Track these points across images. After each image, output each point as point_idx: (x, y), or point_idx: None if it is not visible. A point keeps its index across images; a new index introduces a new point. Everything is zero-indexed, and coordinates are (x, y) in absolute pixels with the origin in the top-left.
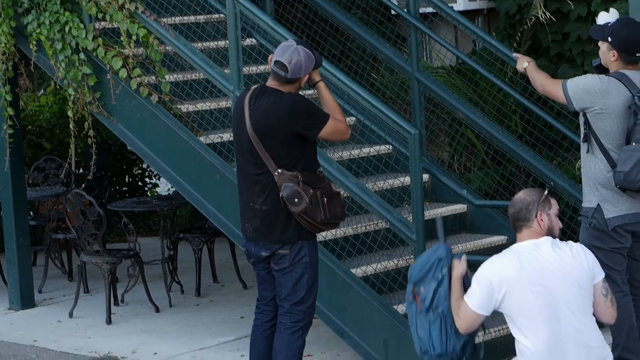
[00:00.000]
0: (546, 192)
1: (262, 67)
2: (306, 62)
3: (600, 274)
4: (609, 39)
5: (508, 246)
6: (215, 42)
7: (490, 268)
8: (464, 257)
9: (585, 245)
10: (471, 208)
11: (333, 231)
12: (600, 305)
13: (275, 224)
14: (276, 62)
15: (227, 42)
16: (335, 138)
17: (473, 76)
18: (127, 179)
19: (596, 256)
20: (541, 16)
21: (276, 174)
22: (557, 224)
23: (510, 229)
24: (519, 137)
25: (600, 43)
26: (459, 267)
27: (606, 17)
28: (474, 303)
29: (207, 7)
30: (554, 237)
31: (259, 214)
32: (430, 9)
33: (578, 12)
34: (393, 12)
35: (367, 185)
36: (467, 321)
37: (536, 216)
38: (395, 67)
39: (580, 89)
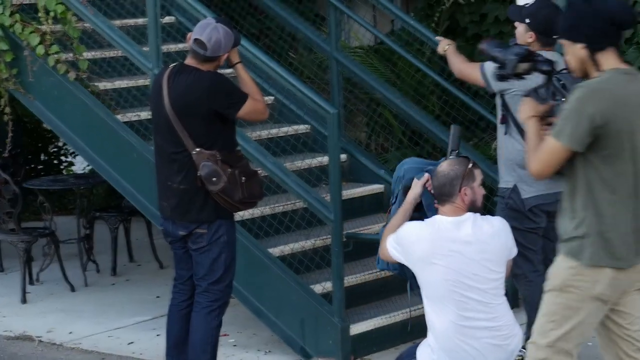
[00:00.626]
0: (470, 164)
1: (180, 45)
2: (225, 40)
3: (514, 251)
4: (527, 20)
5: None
6: (134, 20)
7: (407, 236)
8: (425, 175)
9: None
10: (388, 188)
11: (251, 210)
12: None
13: (193, 203)
14: (195, 40)
15: (146, 19)
16: (253, 118)
17: (391, 56)
18: (42, 157)
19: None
20: None
21: (194, 152)
22: (480, 196)
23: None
24: (436, 118)
25: (517, 24)
26: (416, 187)
27: None
28: (392, 251)
29: None
30: (476, 209)
31: (177, 193)
32: None
33: None
34: None
35: (285, 164)
36: (384, 255)
37: (460, 191)
38: (314, 47)
39: None
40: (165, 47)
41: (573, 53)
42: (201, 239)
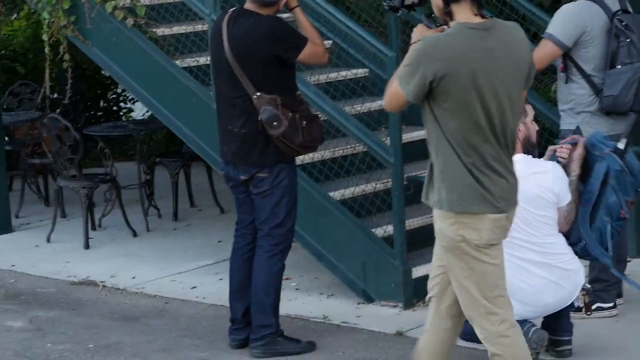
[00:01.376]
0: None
1: None
2: None
3: (565, 199)
4: None
5: None
6: None
7: None
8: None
9: None
10: None
11: (311, 154)
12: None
13: (254, 147)
14: None
15: None
16: (313, 61)
17: None
18: (101, 103)
19: None
20: None
21: (255, 97)
22: (534, 131)
23: None
24: None
25: None
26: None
27: None
28: None
29: None
30: (531, 145)
31: (238, 137)
32: None
33: None
34: None
35: (344, 108)
36: None
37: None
38: None
39: (561, 19)
40: None
41: (433, 1)
42: (262, 183)
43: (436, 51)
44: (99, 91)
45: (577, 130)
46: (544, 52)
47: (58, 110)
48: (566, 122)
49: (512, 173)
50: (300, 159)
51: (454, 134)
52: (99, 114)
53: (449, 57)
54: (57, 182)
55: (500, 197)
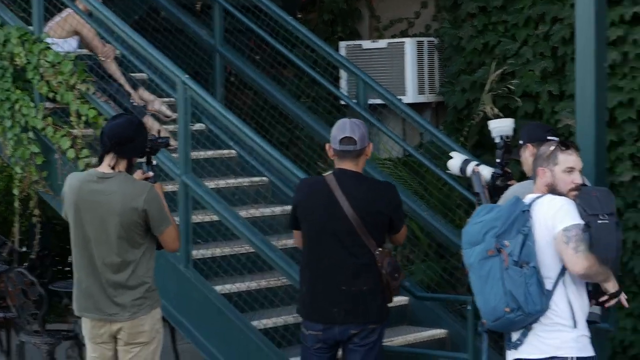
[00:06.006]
0: (554, 147)
1: (210, 152)
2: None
3: (560, 225)
4: None
5: (447, 340)
6: (165, 127)
7: None
8: None
9: None
10: (412, 300)
11: (238, 284)
12: (561, 252)
13: (373, 302)
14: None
15: (177, 126)
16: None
17: (419, 169)
18: (69, 259)
19: None
20: (489, 112)
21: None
22: (563, 182)
23: (449, 322)
24: None
25: None
26: None
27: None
28: None
29: (157, 90)
30: (557, 193)
31: (357, 296)
32: (379, 101)
33: (525, 109)
34: (342, 102)
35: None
36: None
37: (538, 171)
38: None
39: None
40: (194, 154)
41: None
42: (373, 333)
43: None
44: (68, 247)
45: None
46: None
47: (25, 265)
48: None
49: None
50: (227, 289)
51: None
52: (66, 269)
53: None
54: (19, 336)
55: None
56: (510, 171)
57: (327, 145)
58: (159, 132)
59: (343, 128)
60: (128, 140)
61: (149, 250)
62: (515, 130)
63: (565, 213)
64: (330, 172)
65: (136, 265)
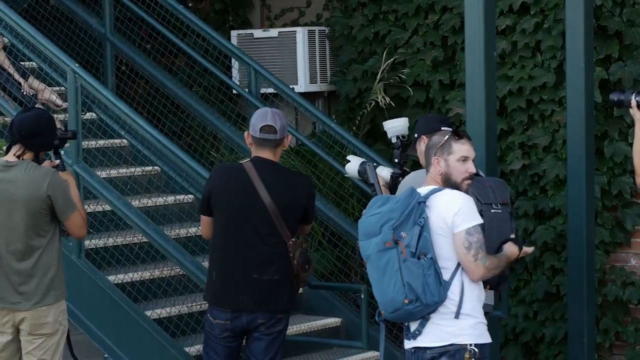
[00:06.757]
0: (447, 136)
1: (101, 142)
2: None
3: (461, 226)
4: None
5: (342, 328)
6: (56, 115)
7: None
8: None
9: None
10: (306, 289)
11: (131, 275)
12: (459, 256)
13: (283, 292)
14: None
15: (67, 115)
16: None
17: (312, 158)
18: None
19: None
20: (381, 101)
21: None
22: (459, 172)
23: (344, 310)
24: (355, 221)
25: None
26: None
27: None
28: None
29: (47, 79)
30: (452, 186)
31: (266, 284)
32: (271, 90)
33: (417, 98)
34: (234, 91)
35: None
36: None
37: (432, 160)
38: (235, 146)
39: None
40: (85, 144)
41: None
42: (279, 322)
43: None
44: None
45: None
46: None
47: None
48: None
49: None
50: (120, 279)
51: None
52: None
53: None
54: None
55: None
56: (409, 170)
57: (245, 133)
58: (65, 126)
59: (264, 117)
60: (36, 134)
61: (55, 237)
62: (410, 128)
63: (467, 213)
64: (247, 159)
65: (41, 253)
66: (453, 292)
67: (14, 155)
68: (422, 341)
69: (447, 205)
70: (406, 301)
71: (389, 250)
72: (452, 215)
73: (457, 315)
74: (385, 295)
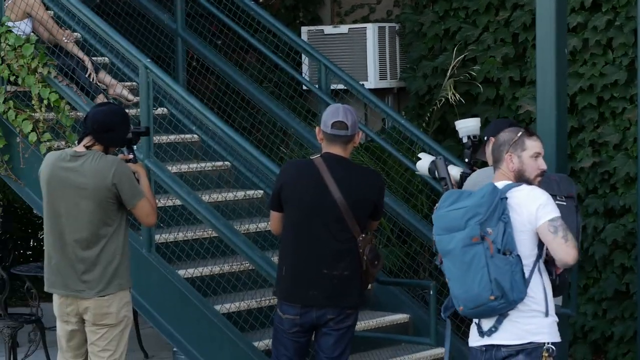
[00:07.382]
0: (520, 132)
1: (172, 137)
2: None
3: (545, 217)
4: None
5: (410, 325)
6: (127, 111)
7: None
8: None
9: None
10: (375, 285)
11: (201, 269)
12: (549, 243)
13: (353, 287)
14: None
15: (138, 110)
16: None
17: (381, 154)
18: (32, 243)
19: None
20: (450, 97)
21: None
22: (531, 168)
23: (412, 307)
24: (424, 217)
25: None
26: None
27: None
28: None
29: (119, 74)
30: (525, 181)
31: (337, 280)
32: (341, 86)
33: (487, 95)
34: (304, 87)
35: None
36: None
37: (504, 157)
38: (305, 142)
39: None
40: (156, 139)
41: None
42: (349, 318)
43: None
44: (29, 230)
45: None
46: None
47: None
48: None
49: None
50: (190, 273)
51: None
52: (28, 252)
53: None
54: None
55: None
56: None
57: (317, 129)
58: (139, 122)
59: (336, 112)
60: (109, 129)
61: (121, 227)
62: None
63: (549, 205)
64: (317, 155)
65: (107, 241)
66: (532, 290)
67: (84, 146)
68: (499, 338)
69: (527, 199)
70: (492, 297)
71: (475, 246)
72: (535, 209)
73: (535, 312)
74: (470, 291)
